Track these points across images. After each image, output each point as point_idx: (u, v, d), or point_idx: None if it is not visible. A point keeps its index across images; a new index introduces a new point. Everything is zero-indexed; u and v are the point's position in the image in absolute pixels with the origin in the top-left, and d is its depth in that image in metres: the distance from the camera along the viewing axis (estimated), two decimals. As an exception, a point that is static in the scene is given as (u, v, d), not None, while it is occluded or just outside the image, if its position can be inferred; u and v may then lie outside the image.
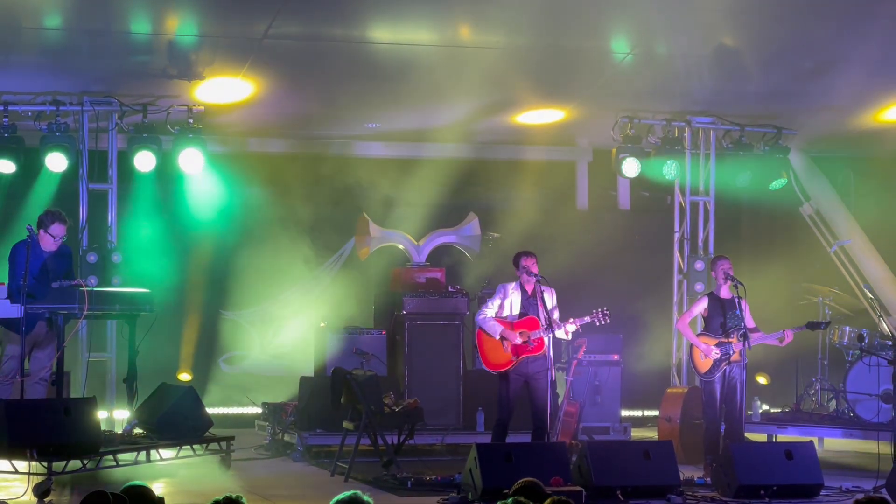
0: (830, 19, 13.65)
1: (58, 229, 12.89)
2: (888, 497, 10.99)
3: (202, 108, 15.45)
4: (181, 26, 13.77)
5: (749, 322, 13.46)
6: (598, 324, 12.99)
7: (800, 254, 18.02)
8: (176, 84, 14.91)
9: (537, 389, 12.77)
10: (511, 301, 12.93)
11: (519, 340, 12.73)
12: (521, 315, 12.86)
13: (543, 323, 12.71)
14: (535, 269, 12.87)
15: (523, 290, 12.95)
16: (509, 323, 12.85)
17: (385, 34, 14.06)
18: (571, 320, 12.89)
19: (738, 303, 13.33)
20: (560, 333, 12.86)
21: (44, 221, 12.87)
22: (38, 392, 12.73)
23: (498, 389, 12.98)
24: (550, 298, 12.93)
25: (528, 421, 13.00)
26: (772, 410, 16.99)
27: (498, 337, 12.79)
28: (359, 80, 15.19)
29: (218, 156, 16.68)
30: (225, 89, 15.29)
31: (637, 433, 16.48)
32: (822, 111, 16.38)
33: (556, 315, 12.86)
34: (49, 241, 12.85)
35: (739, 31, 14.09)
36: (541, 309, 12.76)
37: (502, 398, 12.91)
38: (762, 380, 17.64)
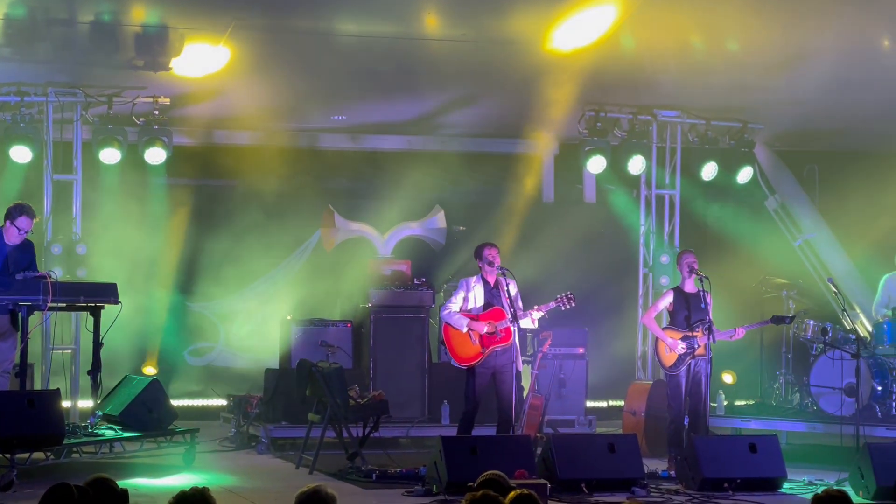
0: (796, 13, 13.68)
1: (24, 223, 12.77)
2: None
3: (167, 100, 15.41)
4: (147, 16, 13.70)
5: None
6: (563, 308, 13.00)
7: (764, 247, 18.08)
8: (142, 75, 14.84)
9: (504, 382, 12.75)
10: (475, 294, 12.90)
11: (486, 330, 12.71)
12: (486, 306, 12.85)
13: (509, 313, 12.70)
14: (497, 261, 12.85)
15: (485, 283, 12.92)
16: (475, 316, 12.82)
17: (351, 26, 14.02)
18: (537, 307, 12.89)
19: (704, 297, 13.35)
20: (526, 322, 12.85)
21: (11, 213, 12.77)
22: (1, 384, 12.66)
23: (465, 383, 12.95)
24: (513, 289, 12.91)
25: (494, 414, 13.01)
26: (736, 403, 17.04)
27: (465, 330, 12.75)
28: (325, 73, 15.15)
29: (184, 147, 16.63)
30: (201, 58, 14.90)
31: (602, 426, 16.51)
32: (787, 105, 16.42)
33: (519, 304, 12.85)
34: (14, 234, 12.75)
35: (707, 25, 14.11)
36: (505, 300, 12.75)
37: (469, 392, 12.88)
38: (728, 378, 17.68)
